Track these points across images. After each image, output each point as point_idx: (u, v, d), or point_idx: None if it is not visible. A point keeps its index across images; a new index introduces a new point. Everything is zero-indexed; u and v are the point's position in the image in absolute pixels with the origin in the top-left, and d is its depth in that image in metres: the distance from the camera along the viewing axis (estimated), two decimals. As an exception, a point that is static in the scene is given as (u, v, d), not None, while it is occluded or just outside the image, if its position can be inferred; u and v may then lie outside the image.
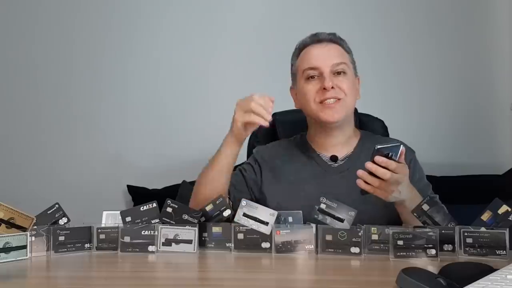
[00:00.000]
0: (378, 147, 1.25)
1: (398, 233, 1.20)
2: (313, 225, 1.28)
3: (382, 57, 2.80)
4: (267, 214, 1.30)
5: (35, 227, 1.26)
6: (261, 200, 1.57)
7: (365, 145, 1.59)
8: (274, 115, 1.92)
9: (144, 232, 1.31)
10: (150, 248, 1.30)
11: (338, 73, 1.55)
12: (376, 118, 1.90)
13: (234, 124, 1.43)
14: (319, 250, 1.27)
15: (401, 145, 1.27)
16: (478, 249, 1.20)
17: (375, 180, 1.26)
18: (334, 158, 1.60)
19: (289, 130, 1.78)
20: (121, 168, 2.91)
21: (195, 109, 2.87)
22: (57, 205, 1.34)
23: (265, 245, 1.29)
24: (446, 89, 2.85)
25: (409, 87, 2.85)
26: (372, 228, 1.25)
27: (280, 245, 1.28)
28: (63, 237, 1.30)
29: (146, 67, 2.94)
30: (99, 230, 1.33)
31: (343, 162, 1.59)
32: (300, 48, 1.62)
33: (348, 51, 1.61)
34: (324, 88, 1.52)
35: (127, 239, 1.31)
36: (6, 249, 1.14)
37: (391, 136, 1.85)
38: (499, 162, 2.75)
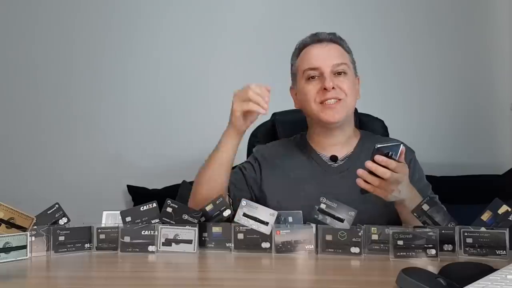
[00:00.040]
0: (378, 146, 1.25)
1: (398, 233, 1.20)
2: (313, 225, 1.28)
3: (382, 57, 2.80)
4: (267, 214, 1.30)
5: (35, 227, 1.26)
6: (261, 198, 1.57)
7: (365, 145, 1.59)
8: (274, 115, 1.93)
9: (144, 232, 1.31)
10: (150, 248, 1.30)
11: (339, 73, 1.55)
12: (376, 118, 1.90)
13: (232, 115, 1.44)
14: (319, 250, 1.27)
15: (401, 145, 1.27)
16: (478, 249, 1.20)
17: (375, 179, 1.26)
18: (334, 158, 1.60)
19: (289, 130, 1.79)
20: (121, 168, 2.91)
21: (195, 109, 2.87)
22: (57, 205, 1.34)
23: (265, 245, 1.29)
24: (446, 89, 2.85)
25: (409, 87, 2.85)
26: (372, 228, 1.25)
27: (280, 245, 1.28)
28: (63, 237, 1.30)
29: (146, 67, 2.94)
30: (99, 230, 1.33)
31: (343, 162, 1.59)
32: (300, 48, 1.61)
33: (348, 51, 1.61)
34: (325, 89, 1.52)
35: (127, 239, 1.31)
36: (6, 249, 1.14)
37: (391, 136, 1.85)
38: (499, 162, 2.75)
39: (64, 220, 1.34)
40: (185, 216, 1.33)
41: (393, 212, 1.41)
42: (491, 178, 2.65)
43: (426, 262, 1.16)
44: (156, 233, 1.30)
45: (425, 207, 1.26)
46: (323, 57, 1.55)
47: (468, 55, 2.85)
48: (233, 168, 1.56)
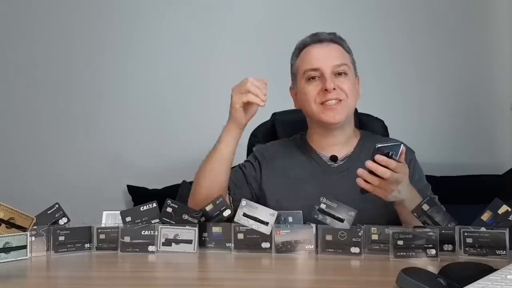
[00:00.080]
0: (379, 145, 1.25)
1: (398, 233, 1.20)
2: (313, 225, 1.28)
3: (382, 57, 2.80)
4: (267, 214, 1.30)
5: (35, 227, 1.26)
6: (260, 197, 1.58)
7: (365, 145, 1.59)
8: (274, 115, 1.93)
9: (144, 232, 1.31)
10: (150, 248, 1.30)
11: (339, 74, 1.54)
12: (376, 118, 1.90)
13: (232, 108, 1.44)
14: (319, 250, 1.27)
15: (402, 144, 1.27)
16: (478, 249, 1.20)
17: (375, 179, 1.26)
18: (334, 158, 1.60)
19: (289, 130, 1.78)
20: (121, 168, 2.91)
21: (195, 109, 2.87)
22: (57, 205, 1.34)
23: (265, 245, 1.29)
24: (446, 89, 2.85)
25: (409, 87, 2.85)
26: (372, 228, 1.25)
27: (280, 245, 1.28)
28: (63, 237, 1.30)
29: (146, 67, 2.94)
30: (99, 230, 1.33)
31: (343, 162, 1.59)
32: (300, 48, 1.61)
33: (349, 51, 1.61)
34: (326, 90, 1.51)
35: (127, 239, 1.31)
36: (6, 249, 1.14)
37: (391, 136, 1.85)
38: (499, 162, 2.75)
39: (64, 220, 1.34)
40: (185, 216, 1.33)
41: (393, 212, 1.40)
42: (491, 178, 2.65)
43: (426, 262, 1.16)
44: (156, 233, 1.30)
45: (425, 207, 1.26)
46: (324, 57, 1.54)
47: (468, 55, 2.85)
48: (233, 167, 1.56)
